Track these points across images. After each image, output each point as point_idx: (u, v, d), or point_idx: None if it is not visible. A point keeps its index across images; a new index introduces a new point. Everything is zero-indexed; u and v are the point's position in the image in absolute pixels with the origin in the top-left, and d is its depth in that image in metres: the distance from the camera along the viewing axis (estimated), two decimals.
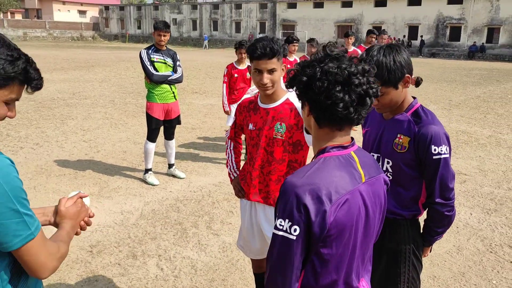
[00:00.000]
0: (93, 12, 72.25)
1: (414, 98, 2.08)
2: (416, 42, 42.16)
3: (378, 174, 1.50)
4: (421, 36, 42.09)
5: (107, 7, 68.28)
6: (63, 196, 1.71)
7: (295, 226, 1.31)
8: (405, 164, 2.01)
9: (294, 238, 1.32)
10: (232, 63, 6.55)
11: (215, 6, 57.91)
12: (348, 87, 1.35)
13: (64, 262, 3.76)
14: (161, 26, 5.50)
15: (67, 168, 6.24)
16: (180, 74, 5.75)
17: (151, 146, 5.81)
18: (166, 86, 5.67)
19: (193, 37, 58.82)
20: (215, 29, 57.80)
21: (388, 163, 2.06)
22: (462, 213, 5.04)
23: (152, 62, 5.56)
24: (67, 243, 1.52)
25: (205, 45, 50.20)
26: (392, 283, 2.10)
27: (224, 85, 6.47)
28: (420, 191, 2.05)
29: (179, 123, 5.99)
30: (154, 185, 5.71)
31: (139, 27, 64.71)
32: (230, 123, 6.53)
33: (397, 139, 2.03)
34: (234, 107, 6.48)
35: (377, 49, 1.96)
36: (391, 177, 2.07)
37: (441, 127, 1.98)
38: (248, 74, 6.50)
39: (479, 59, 37.87)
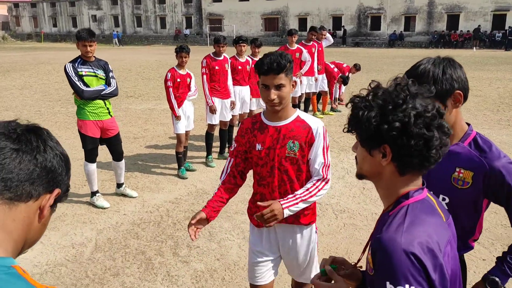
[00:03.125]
0: (1, 10, 66.65)
1: (468, 124, 1.89)
2: (340, 33, 43.53)
3: (449, 215, 1.40)
4: (343, 26, 43.52)
5: (16, 4, 63.32)
6: None
7: None
8: (466, 201, 1.83)
9: None
10: (173, 67, 6.13)
11: (137, 1, 55.78)
12: (441, 129, 1.26)
13: None
14: (85, 36, 4.85)
15: None
16: (114, 87, 5.20)
17: (92, 167, 5.24)
18: (99, 101, 5.07)
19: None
20: (139, 25, 55.75)
21: (444, 199, 1.87)
22: None
23: (80, 77, 4.94)
24: None
25: (115, 42, 48.31)
26: None
27: (170, 90, 6.04)
28: (475, 229, 1.89)
29: (119, 141, 5.44)
30: (104, 208, 5.18)
31: (55, 25, 60.75)
32: (177, 130, 6.14)
33: (456, 173, 1.82)
34: (180, 111, 6.11)
35: (427, 60, 1.81)
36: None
37: (508, 158, 1.80)
38: (188, 79, 6.16)
39: (399, 47, 39.91)
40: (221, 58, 6.56)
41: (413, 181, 1.33)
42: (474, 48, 35.73)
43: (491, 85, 14.88)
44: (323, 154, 2.37)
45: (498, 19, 37.47)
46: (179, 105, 6.13)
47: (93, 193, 5.31)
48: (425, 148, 1.24)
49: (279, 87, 2.25)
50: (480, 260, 4.03)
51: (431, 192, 1.41)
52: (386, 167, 1.31)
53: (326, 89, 10.07)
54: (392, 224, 1.24)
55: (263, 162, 2.38)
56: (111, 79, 5.17)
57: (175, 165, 6.48)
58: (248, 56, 7.26)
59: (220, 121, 6.84)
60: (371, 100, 1.29)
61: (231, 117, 6.96)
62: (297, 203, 2.29)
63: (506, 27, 36.12)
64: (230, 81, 6.74)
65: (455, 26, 39.47)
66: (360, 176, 1.42)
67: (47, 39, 57.67)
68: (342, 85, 10.68)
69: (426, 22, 40.97)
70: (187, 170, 6.43)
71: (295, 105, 9.11)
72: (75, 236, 4.50)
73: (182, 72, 6.08)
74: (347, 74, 10.65)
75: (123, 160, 5.53)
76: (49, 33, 59.91)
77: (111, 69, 5.26)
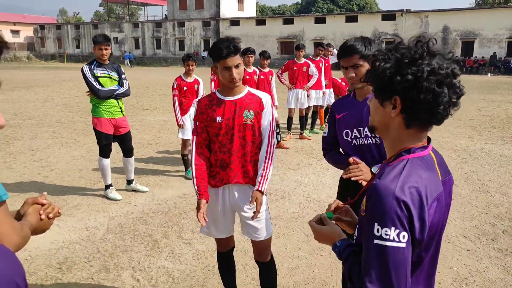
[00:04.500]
0: (27, 32, 69.19)
1: None
2: None
3: (449, 175, 1.47)
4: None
5: (42, 26, 65.72)
6: None
7: (404, 233, 1.24)
8: None
9: (404, 245, 1.24)
10: (180, 76, 6.57)
11: (158, 25, 57.49)
12: (452, 88, 1.32)
13: (33, 280, 3.60)
14: (101, 40, 5.39)
15: (20, 188, 5.95)
16: (127, 87, 5.67)
17: (106, 162, 5.66)
18: (113, 100, 5.54)
19: (136, 56, 57.92)
20: (158, 47, 57.29)
21: None
22: None
23: (96, 78, 5.44)
24: (29, 228, 1.49)
25: (127, 63, 49.82)
26: None
27: (175, 98, 6.48)
28: None
29: (130, 138, 5.87)
30: (116, 200, 5.58)
31: (78, 46, 62.78)
32: (181, 135, 6.55)
33: None
34: (185, 119, 6.51)
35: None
36: (379, 142, 2.49)
37: None
38: (196, 85, 6.56)
39: None
40: (251, 71, 7.09)
41: (417, 137, 1.40)
42: (489, 74, 35.80)
43: (500, 106, 15.05)
44: (271, 121, 2.83)
45: None
46: (186, 111, 6.54)
47: (107, 187, 5.72)
48: (433, 103, 1.30)
49: (237, 66, 2.65)
50: (464, 251, 4.28)
51: (436, 151, 1.48)
52: (395, 118, 1.37)
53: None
54: (390, 174, 1.31)
55: (224, 131, 2.76)
56: (123, 80, 5.64)
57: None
58: (256, 67, 7.72)
59: None
60: (391, 53, 1.35)
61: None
62: (268, 175, 2.79)
63: None
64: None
65: (469, 52, 39.67)
66: (371, 128, 1.50)
67: (70, 59, 59.59)
68: None
69: (440, 48, 41.24)
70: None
71: (303, 117, 9.50)
72: (89, 221, 4.89)
73: (189, 80, 6.52)
74: None
75: (133, 157, 5.94)
76: (72, 54, 61.93)
77: (123, 71, 5.75)
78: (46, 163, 7.25)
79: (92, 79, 5.41)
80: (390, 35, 43.26)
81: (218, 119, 2.76)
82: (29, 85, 21.69)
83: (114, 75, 5.60)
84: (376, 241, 1.25)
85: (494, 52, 37.83)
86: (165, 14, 62.14)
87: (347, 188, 2.57)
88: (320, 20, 47.46)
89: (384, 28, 43.50)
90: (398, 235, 1.23)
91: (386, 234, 1.24)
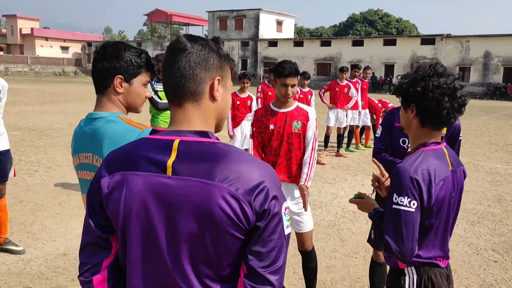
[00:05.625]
0: (75, 48, 72.97)
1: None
2: (395, 80, 44.05)
3: (459, 166, 1.94)
4: (398, 76, 43.82)
5: (89, 44, 69.16)
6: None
7: (414, 201, 1.73)
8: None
9: (414, 210, 1.73)
10: (235, 91, 7.19)
11: None
12: (452, 98, 1.78)
13: None
14: (161, 58, 6.14)
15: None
16: None
17: None
18: (169, 112, 6.21)
19: None
20: None
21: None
22: None
23: (156, 92, 6.13)
24: None
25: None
26: None
27: (229, 112, 7.09)
28: None
29: None
30: None
31: None
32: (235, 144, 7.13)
33: None
34: (237, 131, 7.10)
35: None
36: None
37: None
38: (249, 101, 7.16)
39: None
40: (245, 96, 7.65)
41: (431, 134, 1.88)
42: None
43: None
44: (314, 132, 3.38)
45: None
46: (237, 124, 7.16)
47: None
48: (437, 109, 1.78)
49: (293, 86, 3.23)
50: (492, 262, 4.58)
51: (448, 147, 1.94)
52: (413, 120, 1.88)
53: (369, 123, 10.82)
54: (409, 160, 1.81)
55: (275, 137, 3.33)
56: None
57: None
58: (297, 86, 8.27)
59: None
60: (410, 73, 1.90)
61: None
62: (311, 175, 3.34)
63: None
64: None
65: (511, 79, 38.99)
66: (401, 128, 2.01)
67: None
68: None
69: (481, 74, 40.77)
70: None
71: (340, 135, 9.93)
72: None
73: (243, 95, 7.16)
74: None
75: None
76: None
77: None
78: None
79: (152, 93, 6.09)
80: (429, 59, 43.05)
81: (271, 126, 3.34)
82: (80, 98, 23.10)
83: None
84: (394, 206, 1.76)
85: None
86: (205, 34, 64.14)
87: None
88: (357, 43, 47.87)
89: (423, 52, 43.40)
90: (409, 202, 1.73)
91: (401, 201, 1.74)
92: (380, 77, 44.17)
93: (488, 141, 12.99)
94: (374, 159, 2.33)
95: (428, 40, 43.44)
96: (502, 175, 8.57)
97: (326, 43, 49.83)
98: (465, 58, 41.50)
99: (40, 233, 4.86)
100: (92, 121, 1.87)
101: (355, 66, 10.11)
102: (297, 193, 3.38)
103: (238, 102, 7.11)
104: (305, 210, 3.27)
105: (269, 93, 7.54)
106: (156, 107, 6.08)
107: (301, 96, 8.35)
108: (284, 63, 3.25)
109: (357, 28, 75.61)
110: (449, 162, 1.88)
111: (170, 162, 1.14)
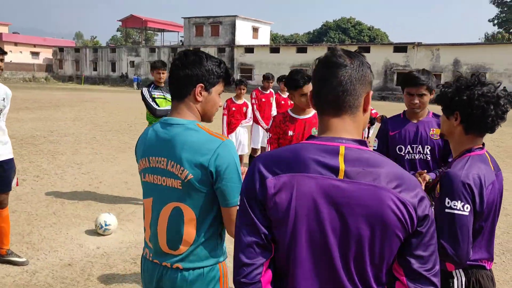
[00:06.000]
0: (46, 54, 71.21)
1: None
2: None
3: (499, 170, 2.01)
4: (438, 86, 44.58)
5: (61, 49, 67.70)
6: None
7: (467, 205, 1.79)
8: (438, 147, 3.00)
9: (467, 214, 1.79)
10: (231, 98, 7.22)
11: (174, 50, 59.10)
12: (497, 106, 1.87)
13: (114, 271, 4.11)
14: (160, 65, 6.10)
15: (77, 197, 6.50)
16: None
17: None
18: None
19: (152, 79, 59.21)
20: None
21: (427, 148, 3.02)
22: None
23: (153, 99, 6.08)
24: None
25: (135, 86, 51.95)
26: None
27: (224, 117, 7.11)
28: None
29: None
30: None
31: (95, 69, 64.43)
32: None
33: (431, 131, 2.99)
34: (231, 137, 7.10)
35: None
36: (429, 158, 3.04)
37: None
38: (244, 108, 7.20)
39: None
40: (268, 92, 7.68)
41: (474, 141, 1.95)
42: None
43: None
44: None
45: None
46: (232, 130, 7.17)
47: None
48: (483, 117, 1.85)
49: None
50: None
51: (488, 152, 2.01)
52: (457, 127, 1.95)
53: None
54: (457, 165, 1.86)
55: (294, 143, 3.31)
56: None
57: None
58: (276, 92, 8.33)
59: (263, 147, 7.83)
60: (453, 83, 1.97)
61: None
62: None
63: None
64: (274, 111, 7.80)
65: None
66: (442, 135, 2.10)
67: (87, 81, 61.16)
68: (370, 125, 11.57)
69: (451, 80, 41.96)
70: None
71: None
72: None
73: (238, 102, 7.18)
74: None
75: None
76: (89, 76, 63.56)
77: None
78: (94, 176, 7.83)
79: (150, 100, 6.03)
80: (401, 67, 44.13)
81: (290, 133, 3.37)
82: (55, 104, 22.56)
83: (169, 96, 6.23)
84: (447, 210, 1.80)
85: (504, 87, 38.33)
86: (181, 40, 63.84)
87: None
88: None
89: (395, 59, 44.43)
90: (463, 206, 1.78)
91: (454, 205, 1.79)
92: None
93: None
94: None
95: (401, 48, 44.51)
96: None
97: (302, 50, 50.38)
98: (436, 65, 42.69)
99: (40, 244, 4.73)
100: (169, 126, 1.86)
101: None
102: None
103: (233, 109, 7.13)
104: None
105: (263, 99, 7.56)
106: (154, 114, 6.03)
107: (282, 102, 8.36)
108: (295, 74, 3.31)
109: (331, 35, 76.80)
110: (492, 166, 1.95)
111: (342, 166, 1.20)
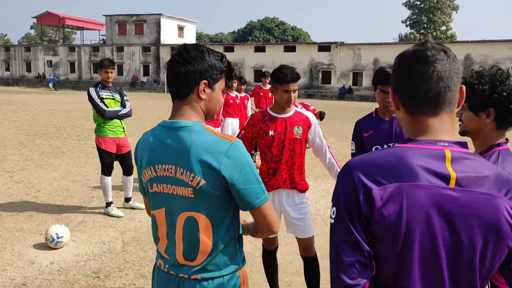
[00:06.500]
0: None
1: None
2: None
3: None
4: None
5: None
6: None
7: None
8: None
9: None
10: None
11: (95, 49, 56.43)
12: None
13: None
14: (108, 64, 5.73)
15: (15, 208, 5.92)
16: (129, 108, 5.99)
17: (108, 180, 5.85)
18: (117, 121, 5.84)
19: (71, 79, 56.19)
20: (95, 71, 55.99)
21: None
22: None
23: (101, 99, 5.72)
24: None
25: (51, 86, 49.78)
26: None
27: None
28: None
29: (131, 157, 6.12)
30: (119, 217, 5.76)
31: (7, 69, 59.66)
32: None
33: None
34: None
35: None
36: None
37: None
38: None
39: (348, 100, 42.78)
40: (234, 95, 7.65)
41: (503, 135, 1.92)
42: None
43: None
44: (322, 134, 3.42)
45: None
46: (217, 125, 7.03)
47: (108, 204, 5.88)
48: None
49: (295, 91, 3.20)
50: None
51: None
52: (488, 124, 1.86)
53: None
54: (490, 162, 1.80)
55: (276, 143, 3.25)
56: (126, 102, 5.94)
57: None
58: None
59: None
60: (483, 79, 1.84)
61: None
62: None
63: None
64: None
65: None
66: (463, 132, 1.98)
67: None
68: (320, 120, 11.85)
69: (372, 78, 44.32)
70: None
71: None
72: (102, 236, 5.06)
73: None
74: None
75: (132, 175, 6.16)
76: (1, 76, 58.74)
77: (125, 93, 6.05)
78: (30, 184, 7.18)
79: (98, 101, 5.65)
80: (326, 65, 45.84)
81: (271, 133, 3.26)
82: None
83: (117, 96, 5.88)
84: None
85: None
86: (103, 39, 61.07)
87: None
88: (259, 49, 49.26)
89: (320, 58, 46.07)
90: None
91: None
92: None
93: None
94: None
95: (324, 47, 46.23)
96: None
97: (229, 49, 50.43)
98: (358, 64, 44.91)
99: None
100: (172, 130, 1.71)
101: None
102: (297, 199, 3.36)
103: (231, 101, 7.03)
104: None
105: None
106: (102, 116, 5.65)
107: (239, 101, 8.35)
108: (284, 69, 3.18)
109: (256, 34, 77.82)
110: None
111: (453, 173, 1.12)
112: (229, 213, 1.74)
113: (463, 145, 1.19)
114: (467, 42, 41.88)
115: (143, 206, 6.18)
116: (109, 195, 5.89)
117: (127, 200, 6.20)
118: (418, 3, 67.00)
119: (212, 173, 1.64)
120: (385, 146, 3.02)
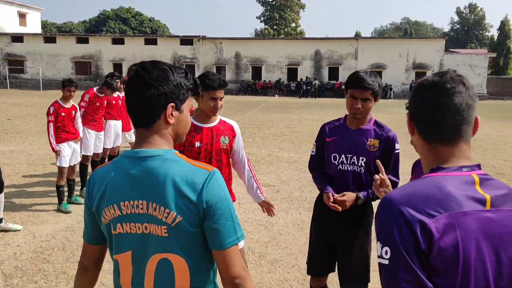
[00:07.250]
0: None
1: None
2: None
3: None
4: None
5: None
6: None
7: None
8: (374, 159, 2.67)
9: None
10: (57, 101, 6.09)
11: None
12: None
13: None
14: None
15: None
16: None
17: None
18: None
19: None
20: None
21: (362, 159, 2.81)
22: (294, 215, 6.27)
23: None
24: None
25: None
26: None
27: (50, 124, 5.96)
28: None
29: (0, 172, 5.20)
30: None
31: None
32: (59, 163, 6.04)
33: (369, 142, 2.81)
34: (64, 146, 6.04)
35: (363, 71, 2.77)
36: (363, 171, 2.81)
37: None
38: (73, 112, 6.19)
39: None
40: (102, 95, 6.83)
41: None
42: (276, 95, 41.25)
43: (301, 123, 17.80)
44: (243, 147, 3.36)
45: (292, 72, 44.23)
46: (70, 138, 6.10)
47: None
48: None
49: (221, 98, 3.04)
50: None
51: None
52: None
53: None
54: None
55: (203, 155, 3.07)
56: None
57: (55, 199, 6.24)
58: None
59: (94, 153, 6.95)
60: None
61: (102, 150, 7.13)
62: (260, 187, 3.41)
63: (298, 79, 42.91)
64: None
65: (258, 77, 44.90)
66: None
67: None
68: None
69: (234, 72, 45.49)
70: (73, 203, 6.26)
71: None
72: None
73: (67, 105, 6.10)
74: None
75: (3, 193, 5.23)
76: None
77: None
78: None
79: None
80: (189, 59, 45.59)
81: (197, 144, 3.05)
82: None
83: None
84: None
85: (280, 78, 43.66)
86: None
87: (323, 207, 2.91)
88: (118, 41, 46.58)
89: (183, 52, 45.57)
90: None
91: None
92: None
93: (269, 133, 14.72)
94: (377, 161, 2.21)
95: (187, 40, 45.80)
96: (299, 162, 9.85)
97: (83, 40, 46.61)
98: (220, 58, 45.57)
99: None
100: (141, 160, 1.47)
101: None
102: None
103: (63, 114, 6.03)
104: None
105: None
106: None
107: (120, 102, 7.67)
108: (211, 75, 3.00)
109: (111, 25, 73.60)
110: None
111: (487, 196, 1.17)
112: (207, 252, 1.53)
113: (480, 167, 1.25)
114: (317, 39, 45.57)
115: (18, 227, 5.33)
116: None
117: None
118: (270, 0, 70.58)
119: (190, 207, 1.44)
120: (343, 157, 2.85)
